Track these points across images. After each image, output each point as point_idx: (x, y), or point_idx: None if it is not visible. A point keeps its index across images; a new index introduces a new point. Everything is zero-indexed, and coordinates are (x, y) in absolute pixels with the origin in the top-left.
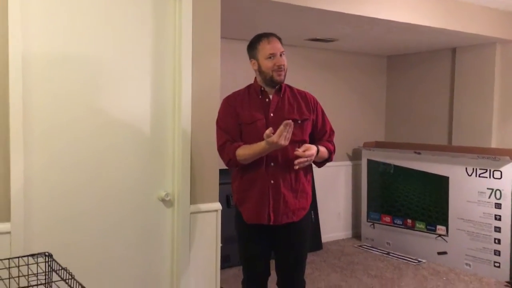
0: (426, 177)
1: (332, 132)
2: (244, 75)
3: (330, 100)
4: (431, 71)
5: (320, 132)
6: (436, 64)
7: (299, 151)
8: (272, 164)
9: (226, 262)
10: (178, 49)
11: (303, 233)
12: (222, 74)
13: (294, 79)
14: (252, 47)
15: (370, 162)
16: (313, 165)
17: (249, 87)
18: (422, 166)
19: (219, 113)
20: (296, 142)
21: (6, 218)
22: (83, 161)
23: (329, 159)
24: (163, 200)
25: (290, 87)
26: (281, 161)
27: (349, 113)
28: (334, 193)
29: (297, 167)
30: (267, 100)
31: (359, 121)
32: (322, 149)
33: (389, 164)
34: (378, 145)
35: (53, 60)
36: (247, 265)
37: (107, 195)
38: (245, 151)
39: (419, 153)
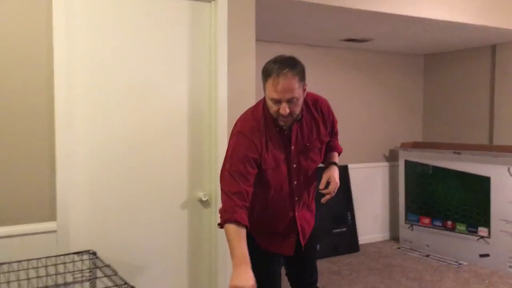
0: (466, 178)
1: (337, 129)
2: None
3: (366, 101)
4: (471, 69)
5: (331, 134)
6: (475, 62)
7: (324, 188)
8: (296, 198)
9: None
10: (214, 51)
11: (312, 237)
12: (259, 77)
13: (329, 81)
14: (263, 75)
15: (407, 163)
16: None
17: (264, 115)
18: (462, 166)
19: (235, 149)
20: (315, 169)
21: (52, 217)
22: (125, 164)
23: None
24: (200, 201)
25: (305, 102)
26: (302, 192)
27: (385, 113)
28: (371, 195)
29: (325, 202)
30: (285, 132)
31: (395, 122)
32: (337, 156)
33: (427, 165)
34: (416, 145)
35: (96, 63)
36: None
37: (148, 195)
38: (228, 236)
39: (458, 153)
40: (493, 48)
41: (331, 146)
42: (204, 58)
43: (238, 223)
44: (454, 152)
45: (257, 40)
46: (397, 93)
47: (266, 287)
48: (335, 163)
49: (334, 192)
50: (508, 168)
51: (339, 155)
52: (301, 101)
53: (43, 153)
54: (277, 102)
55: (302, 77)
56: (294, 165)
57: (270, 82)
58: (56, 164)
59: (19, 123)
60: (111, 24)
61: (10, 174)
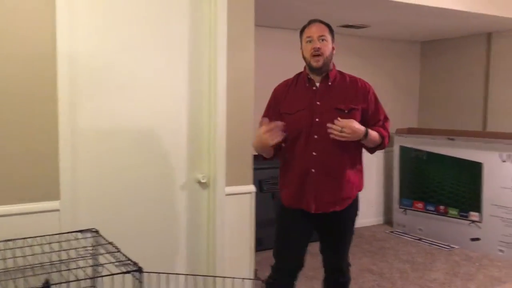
0: (459, 164)
1: (386, 119)
2: (280, 63)
3: None
4: (466, 57)
5: (371, 119)
6: (471, 49)
7: (337, 121)
8: (314, 153)
9: (258, 245)
10: (214, 37)
11: (346, 222)
12: (257, 62)
13: None
14: (300, 35)
15: (402, 149)
16: (365, 151)
17: (298, 74)
18: (455, 152)
19: (267, 104)
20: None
21: (56, 196)
22: (125, 144)
23: (382, 144)
24: (199, 182)
25: (342, 74)
26: (324, 150)
27: (381, 100)
28: (366, 180)
29: (331, 135)
30: (314, 88)
31: (391, 108)
32: (373, 133)
33: (422, 151)
34: (411, 131)
35: (97, 51)
36: (278, 255)
37: (148, 177)
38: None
39: (452, 139)
40: (489, 36)
41: (375, 129)
42: (204, 43)
43: None
44: (448, 138)
45: (256, 25)
46: (393, 80)
47: (279, 243)
48: (365, 128)
49: (343, 132)
50: (500, 154)
51: (381, 140)
52: (330, 47)
53: (47, 136)
54: (311, 40)
55: (331, 32)
56: (317, 119)
57: (305, 32)
58: (59, 148)
59: (23, 106)
60: (111, 11)
61: (17, 155)
